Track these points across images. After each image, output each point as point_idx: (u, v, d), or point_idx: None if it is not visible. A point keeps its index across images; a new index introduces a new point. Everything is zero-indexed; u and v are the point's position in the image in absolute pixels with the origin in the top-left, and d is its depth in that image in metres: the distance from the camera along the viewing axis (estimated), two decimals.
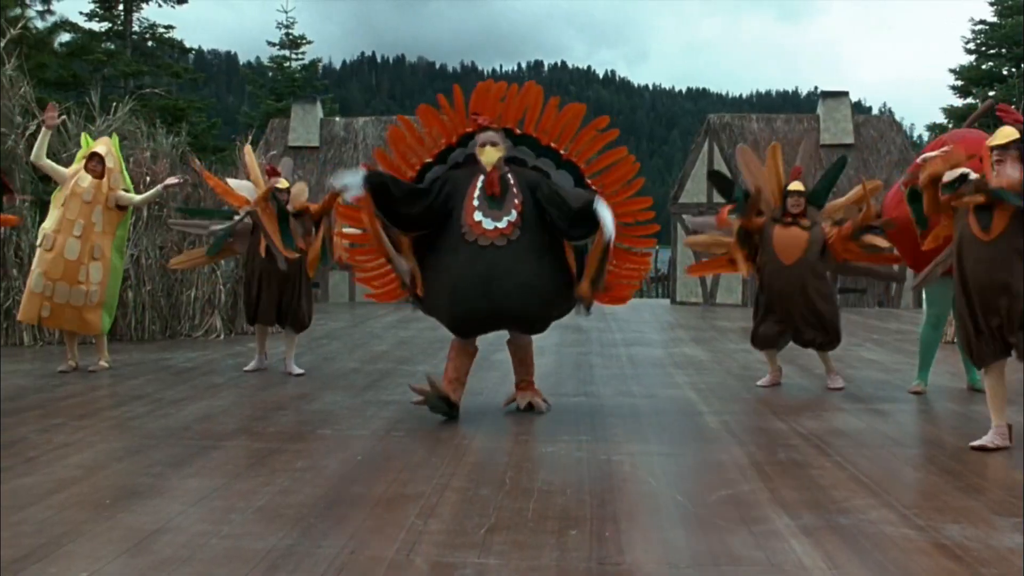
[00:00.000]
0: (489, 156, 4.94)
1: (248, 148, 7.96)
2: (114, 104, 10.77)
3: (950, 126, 22.58)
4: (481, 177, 4.96)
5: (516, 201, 4.94)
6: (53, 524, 3.14)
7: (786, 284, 6.08)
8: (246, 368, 7.19)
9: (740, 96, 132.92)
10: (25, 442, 4.43)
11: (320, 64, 35.81)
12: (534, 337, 5.45)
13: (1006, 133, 4.30)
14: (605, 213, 4.72)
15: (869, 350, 8.99)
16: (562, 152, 5.26)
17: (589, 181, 5.26)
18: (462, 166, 5.22)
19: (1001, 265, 4.23)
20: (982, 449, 4.33)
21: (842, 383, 6.38)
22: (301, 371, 6.99)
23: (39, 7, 22.08)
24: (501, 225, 4.86)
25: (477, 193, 4.93)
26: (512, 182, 5.01)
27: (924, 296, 6.63)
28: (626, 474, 3.93)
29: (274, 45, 30.67)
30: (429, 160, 5.27)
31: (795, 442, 4.59)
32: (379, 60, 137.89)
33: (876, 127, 18.91)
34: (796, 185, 6.23)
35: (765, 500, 3.51)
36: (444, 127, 5.24)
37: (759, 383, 6.50)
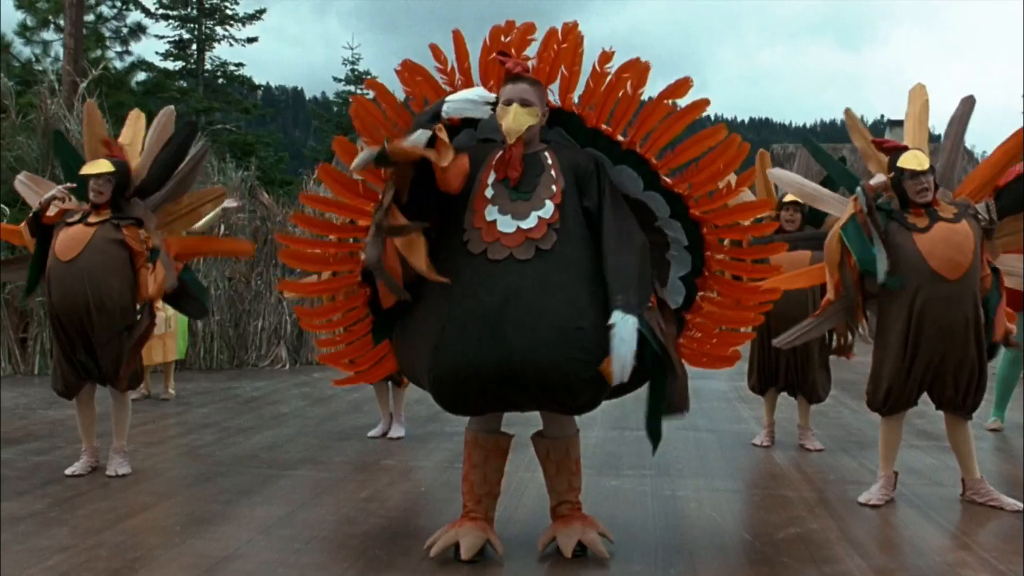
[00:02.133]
0: (517, 120, 3.06)
1: None
2: None
3: None
4: (498, 154, 3.15)
5: (554, 188, 3.07)
6: (127, 549, 3.22)
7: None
8: (370, 434, 5.76)
9: (804, 125, 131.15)
10: (99, 468, 4.55)
11: None
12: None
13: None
14: (624, 328, 2.82)
15: None
16: (620, 139, 3.25)
17: (667, 181, 3.26)
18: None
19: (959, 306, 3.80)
20: (870, 505, 3.94)
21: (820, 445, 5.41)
22: (402, 433, 5.73)
23: (118, 48, 23.04)
24: (527, 225, 2.99)
25: (491, 179, 3.12)
26: (550, 162, 3.14)
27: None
28: (692, 510, 3.87)
29: (339, 81, 31.44)
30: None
31: (866, 479, 4.47)
32: None
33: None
34: (791, 196, 5.14)
35: (835, 539, 3.42)
36: (438, 93, 3.23)
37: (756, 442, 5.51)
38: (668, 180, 3.25)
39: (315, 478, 4.46)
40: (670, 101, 3.17)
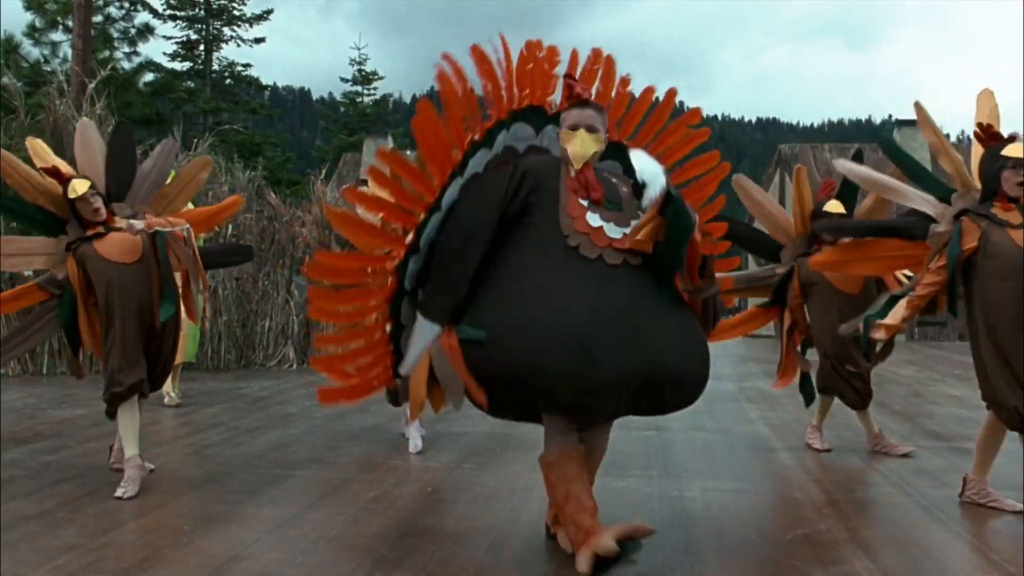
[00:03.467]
0: (584, 146, 3.09)
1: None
2: (195, 140, 11.17)
3: None
4: (565, 172, 3.14)
5: (635, 204, 3.12)
6: (135, 548, 3.23)
7: None
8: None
9: (811, 125, 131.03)
10: (107, 467, 4.56)
11: (391, 99, 36.60)
12: None
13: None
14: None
15: (951, 385, 8.69)
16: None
17: None
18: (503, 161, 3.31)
19: None
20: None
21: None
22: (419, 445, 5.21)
23: (126, 49, 23.12)
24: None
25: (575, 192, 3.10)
26: (614, 180, 3.23)
27: None
28: (698, 511, 3.87)
29: (346, 81, 31.55)
30: (476, 140, 3.17)
31: (874, 480, 4.46)
32: None
33: None
34: (835, 206, 5.06)
35: (843, 540, 3.42)
36: (495, 92, 3.22)
37: (815, 442, 5.36)
38: None
39: (322, 478, 4.46)
40: (689, 126, 3.60)
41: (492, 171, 3.20)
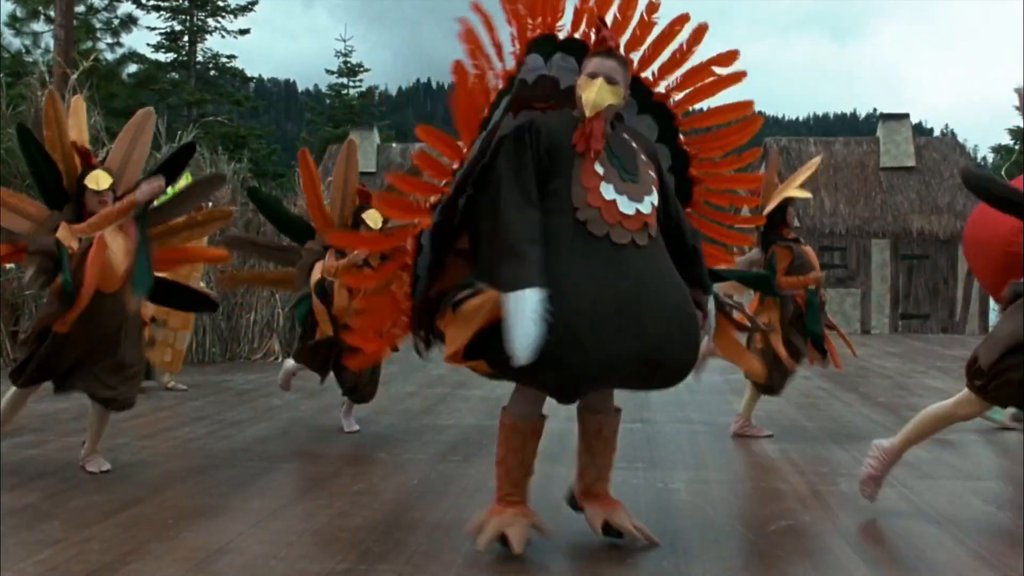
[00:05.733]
0: (601, 94, 2.92)
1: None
2: (179, 132, 11.10)
3: (1016, 147, 22.04)
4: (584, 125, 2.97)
5: (652, 175, 3.05)
6: (119, 542, 3.22)
7: None
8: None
9: (797, 119, 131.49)
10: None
11: (377, 91, 36.47)
12: None
13: None
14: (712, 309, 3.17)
15: (933, 378, 8.76)
16: (657, 90, 3.30)
17: (681, 140, 3.38)
18: (538, 106, 3.20)
19: None
20: None
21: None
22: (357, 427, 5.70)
23: (109, 40, 22.92)
24: (645, 209, 2.94)
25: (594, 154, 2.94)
26: (636, 146, 3.09)
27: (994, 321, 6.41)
28: (684, 502, 3.88)
29: (332, 73, 31.38)
30: (502, 88, 2.93)
31: (856, 472, 4.48)
32: (434, 87, 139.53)
33: (938, 149, 18.56)
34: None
35: (827, 531, 3.44)
36: (523, 25, 2.96)
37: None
38: (682, 139, 3.36)
39: (308, 471, 4.45)
40: (718, 68, 3.23)
41: (528, 114, 3.11)
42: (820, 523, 3.55)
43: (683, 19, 3.20)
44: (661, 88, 3.29)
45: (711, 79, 3.25)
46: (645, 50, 3.23)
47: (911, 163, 17.71)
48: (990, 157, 31.43)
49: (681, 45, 3.20)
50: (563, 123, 3.02)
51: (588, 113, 2.93)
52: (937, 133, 59.11)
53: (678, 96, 3.29)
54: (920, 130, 42.16)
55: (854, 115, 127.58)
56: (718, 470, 4.55)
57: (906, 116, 18.87)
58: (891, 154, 17.86)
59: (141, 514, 3.61)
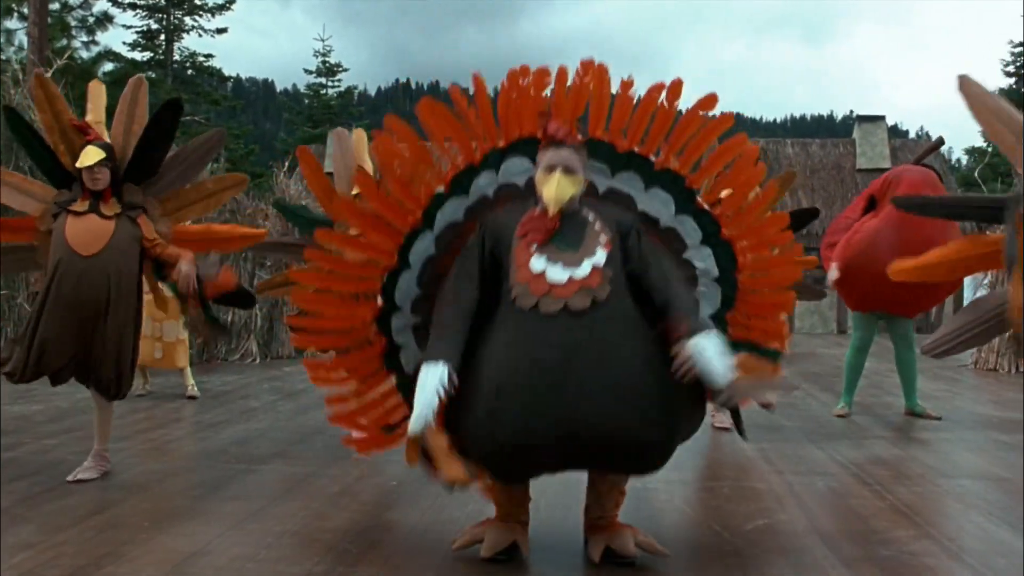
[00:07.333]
0: (560, 190, 2.86)
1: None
2: None
3: (989, 149, 22.30)
4: (536, 211, 2.94)
5: (603, 238, 2.90)
6: (94, 545, 3.18)
7: None
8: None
9: (774, 121, 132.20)
10: (65, 463, 4.49)
11: (356, 91, 36.37)
12: None
13: None
14: (709, 347, 2.76)
15: None
16: (652, 158, 3.19)
17: (701, 201, 3.20)
18: (499, 201, 3.16)
19: None
20: None
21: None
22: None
23: (84, 38, 22.70)
24: (580, 274, 2.79)
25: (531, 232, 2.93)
26: (591, 218, 2.95)
27: (851, 321, 6.71)
28: (662, 502, 3.90)
29: (311, 73, 31.27)
30: (440, 190, 3.11)
31: (833, 471, 4.53)
32: (413, 86, 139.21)
33: (914, 151, 18.76)
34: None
35: (803, 530, 3.46)
36: (462, 137, 3.13)
37: None
38: (700, 200, 3.20)
39: (286, 473, 4.43)
40: (705, 113, 3.17)
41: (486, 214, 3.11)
42: (797, 522, 3.57)
43: (657, 89, 3.16)
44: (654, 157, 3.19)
45: (703, 127, 3.18)
46: (629, 128, 3.17)
47: (887, 164, 17.92)
48: (964, 159, 31.83)
49: (662, 104, 3.15)
50: (515, 216, 2.99)
51: (552, 210, 2.87)
52: (913, 135, 59.79)
53: (676, 160, 3.19)
54: (896, 132, 42.64)
55: (831, 117, 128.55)
56: (695, 470, 4.57)
57: (882, 118, 19.09)
58: (867, 156, 18.08)
59: (117, 517, 3.58)
